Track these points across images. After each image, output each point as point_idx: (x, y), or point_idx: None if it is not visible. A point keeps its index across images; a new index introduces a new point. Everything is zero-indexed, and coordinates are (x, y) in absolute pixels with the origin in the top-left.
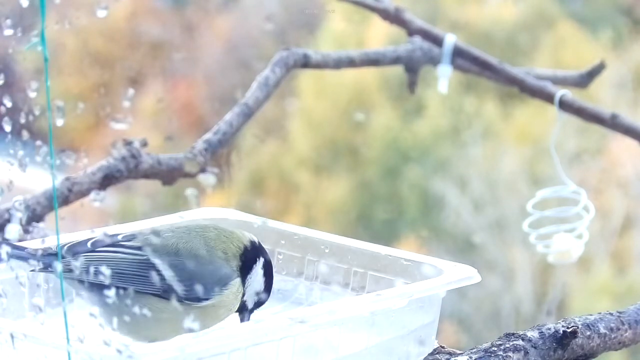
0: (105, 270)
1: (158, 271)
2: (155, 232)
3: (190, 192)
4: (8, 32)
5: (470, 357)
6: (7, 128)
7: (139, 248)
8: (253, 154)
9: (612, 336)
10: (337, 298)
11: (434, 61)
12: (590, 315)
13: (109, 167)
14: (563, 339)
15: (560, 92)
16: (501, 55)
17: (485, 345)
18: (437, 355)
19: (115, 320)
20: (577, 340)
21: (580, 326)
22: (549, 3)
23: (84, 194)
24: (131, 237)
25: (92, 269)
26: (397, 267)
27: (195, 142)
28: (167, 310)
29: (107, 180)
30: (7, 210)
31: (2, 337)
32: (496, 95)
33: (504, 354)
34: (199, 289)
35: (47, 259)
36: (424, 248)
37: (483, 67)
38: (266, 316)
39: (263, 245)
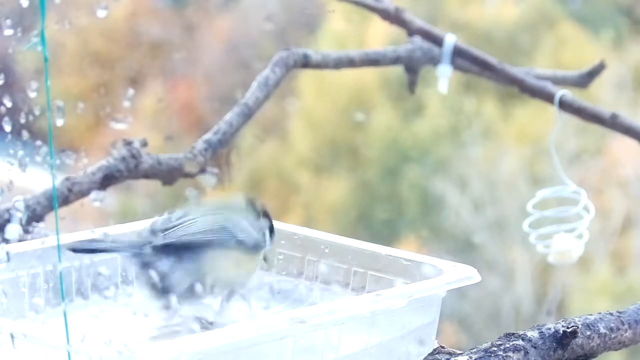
0: (196, 229)
1: (230, 230)
2: (197, 210)
3: (190, 192)
4: (8, 32)
5: (470, 357)
6: (7, 128)
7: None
8: (253, 154)
9: (612, 336)
10: (337, 298)
11: (434, 61)
12: (590, 315)
13: (109, 167)
14: (563, 339)
15: (560, 92)
16: (502, 55)
17: (485, 345)
18: (437, 355)
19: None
20: (577, 340)
21: (580, 326)
22: (549, 3)
23: (84, 194)
24: (185, 214)
25: (193, 231)
26: (397, 267)
27: (195, 142)
28: (243, 257)
29: (107, 180)
30: (7, 210)
31: (2, 337)
32: (496, 95)
33: (504, 354)
34: (257, 240)
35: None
36: (424, 248)
37: (483, 67)
38: (266, 316)
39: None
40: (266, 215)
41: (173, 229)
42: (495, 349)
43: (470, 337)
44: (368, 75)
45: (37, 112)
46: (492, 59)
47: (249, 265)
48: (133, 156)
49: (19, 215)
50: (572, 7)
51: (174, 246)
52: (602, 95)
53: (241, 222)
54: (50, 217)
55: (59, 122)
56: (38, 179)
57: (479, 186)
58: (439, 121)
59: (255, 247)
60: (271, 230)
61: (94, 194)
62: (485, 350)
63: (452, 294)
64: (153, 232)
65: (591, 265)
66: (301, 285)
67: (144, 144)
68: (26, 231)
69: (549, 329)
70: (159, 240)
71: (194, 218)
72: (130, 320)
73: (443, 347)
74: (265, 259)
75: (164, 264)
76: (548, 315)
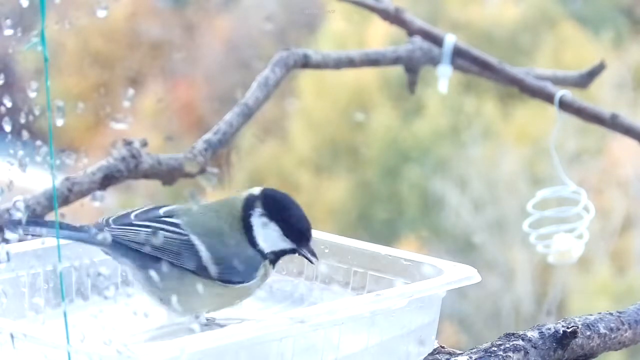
0: (149, 242)
1: (196, 251)
2: (191, 210)
3: (190, 192)
4: (8, 32)
5: (470, 357)
6: (7, 128)
7: (178, 225)
8: (253, 154)
9: (612, 336)
10: (337, 298)
11: (434, 61)
12: (590, 315)
13: (109, 167)
14: (563, 339)
15: (560, 92)
16: (502, 55)
17: (485, 345)
18: (437, 355)
19: (155, 292)
20: (577, 340)
21: (580, 326)
22: (549, 3)
23: (84, 194)
24: (171, 212)
25: (136, 240)
26: (397, 267)
27: (195, 142)
28: (202, 287)
29: (107, 180)
30: (7, 210)
31: (2, 337)
32: (496, 95)
33: (504, 354)
34: (233, 273)
35: (102, 234)
36: (424, 248)
37: (483, 67)
38: (266, 316)
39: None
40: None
41: (127, 227)
42: (495, 349)
43: (470, 337)
44: (368, 75)
45: (37, 112)
46: (492, 59)
47: (217, 298)
48: (133, 156)
49: (19, 215)
50: (572, 7)
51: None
52: (602, 95)
53: (219, 246)
54: (50, 217)
55: (59, 122)
56: (38, 179)
57: (479, 186)
58: (439, 121)
59: (229, 283)
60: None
61: (94, 194)
62: (485, 350)
63: (452, 294)
64: (112, 220)
65: (591, 265)
66: (301, 285)
67: (144, 144)
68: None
69: (549, 329)
70: (106, 231)
71: (156, 222)
72: (130, 320)
73: (443, 347)
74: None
75: (113, 255)
76: (548, 315)
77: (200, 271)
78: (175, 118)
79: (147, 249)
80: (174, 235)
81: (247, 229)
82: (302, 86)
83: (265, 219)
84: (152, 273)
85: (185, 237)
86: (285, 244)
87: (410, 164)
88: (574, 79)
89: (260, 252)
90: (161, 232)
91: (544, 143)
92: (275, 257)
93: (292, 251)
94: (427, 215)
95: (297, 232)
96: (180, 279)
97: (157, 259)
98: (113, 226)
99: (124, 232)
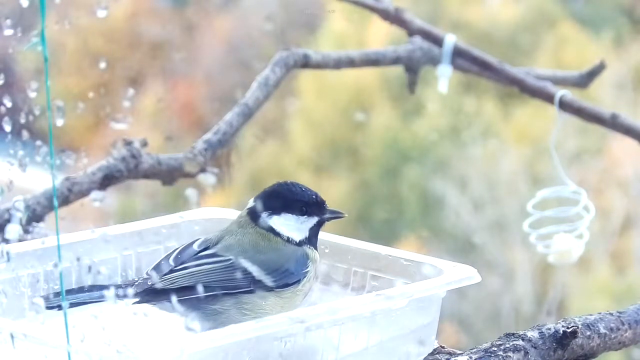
0: (199, 281)
1: (245, 270)
2: (220, 236)
3: (190, 192)
4: (8, 32)
5: (470, 357)
6: (7, 128)
7: (216, 254)
8: (253, 154)
9: (612, 336)
10: (337, 298)
11: (434, 61)
12: (590, 315)
13: (109, 167)
14: (563, 339)
15: (560, 92)
16: (502, 55)
17: (485, 345)
18: (437, 355)
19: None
20: (577, 340)
21: (580, 326)
22: (549, 3)
23: (84, 194)
24: (206, 244)
25: (182, 286)
26: (397, 267)
27: (195, 142)
28: (264, 303)
29: (107, 180)
30: (7, 210)
31: (2, 337)
32: (496, 95)
33: (504, 354)
34: (286, 275)
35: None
36: (424, 248)
37: (483, 67)
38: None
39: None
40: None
41: (172, 275)
42: (495, 349)
43: (470, 337)
44: (368, 75)
45: (37, 112)
46: (492, 59)
47: (285, 308)
48: (133, 156)
49: (19, 215)
50: (572, 8)
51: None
52: (602, 95)
53: (261, 258)
54: (50, 217)
55: (59, 122)
56: (38, 179)
57: (479, 186)
58: (439, 121)
59: (287, 287)
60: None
61: (94, 194)
62: (485, 350)
63: (452, 294)
64: (155, 271)
65: (591, 265)
66: None
67: (144, 144)
68: (26, 231)
69: (549, 329)
70: (155, 284)
71: (197, 261)
72: (130, 320)
73: (443, 347)
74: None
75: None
76: (548, 315)
77: (257, 287)
78: (175, 118)
79: (200, 289)
80: (219, 265)
81: (273, 232)
82: (302, 86)
83: (274, 216)
84: (209, 310)
85: (230, 262)
86: (306, 222)
87: (410, 164)
88: (574, 79)
89: (297, 243)
90: (206, 266)
91: (544, 143)
92: (310, 240)
93: (318, 223)
94: (427, 215)
95: (305, 205)
96: (239, 305)
97: (212, 297)
98: (155, 279)
99: (170, 281)
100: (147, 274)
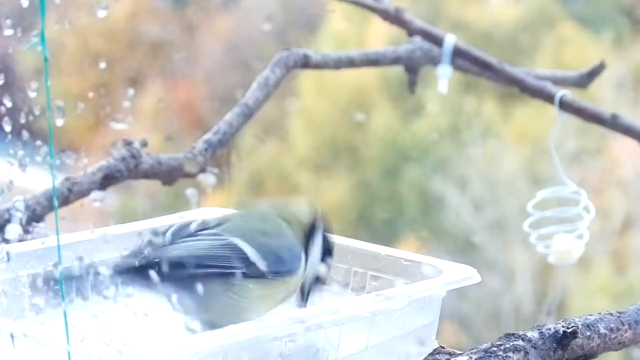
0: (191, 259)
1: (241, 250)
2: (225, 219)
3: (190, 192)
4: (8, 32)
5: (470, 357)
6: (7, 128)
7: (215, 234)
8: (253, 154)
9: (612, 336)
10: (337, 298)
11: (434, 61)
12: (590, 315)
13: (109, 167)
14: (563, 339)
15: (561, 92)
16: (502, 55)
17: (485, 345)
18: (437, 356)
19: (207, 307)
20: (577, 340)
21: (580, 326)
22: (550, 3)
23: (84, 194)
24: (204, 225)
25: (177, 260)
26: (397, 267)
27: (195, 142)
28: (251, 288)
29: (107, 180)
30: (7, 210)
31: (2, 337)
32: (496, 95)
33: (504, 354)
34: (280, 262)
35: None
36: (424, 248)
37: (483, 67)
38: (266, 316)
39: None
40: (316, 231)
41: (166, 247)
42: (495, 349)
43: (470, 337)
44: (368, 75)
45: (37, 112)
46: (492, 59)
47: (266, 299)
48: (133, 156)
49: (19, 215)
50: (572, 8)
51: (165, 265)
52: (602, 95)
53: (261, 242)
54: (50, 217)
55: (59, 122)
56: (38, 179)
57: (479, 186)
58: (439, 121)
59: (278, 275)
60: (326, 252)
61: (94, 194)
62: (485, 351)
63: (452, 294)
64: (148, 245)
65: (591, 265)
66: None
67: (144, 144)
68: (26, 231)
69: (549, 329)
70: (145, 257)
71: (193, 237)
72: (130, 320)
73: (443, 347)
74: (303, 290)
75: (154, 285)
76: (548, 315)
77: (250, 269)
78: (175, 118)
79: (192, 264)
80: (216, 242)
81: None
82: (302, 86)
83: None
84: (199, 289)
85: (227, 241)
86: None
87: (410, 164)
88: (574, 79)
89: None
90: (203, 241)
91: (544, 143)
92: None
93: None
94: (427, 215)
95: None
96: (228, 287)
97: (204, 276)
98: (150, 251)
99: (164, 252)
100: (139, 249)
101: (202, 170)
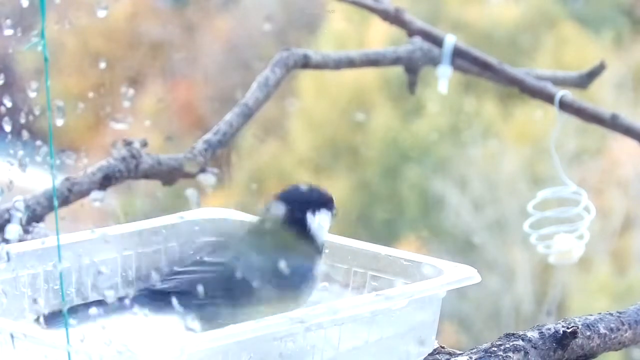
0: (199, 288)
1: (247, 277)
2: (229, 242)
3: (190, 192)
4: (8, 32)
5: (470, 357)
6: (7, 128)
7: (221, 263)
8: (253, 154)
9: (612, 336)
10: (337, 298)
11: (434, 61)
12: (590, 315)
13: (109, 167)
14: (563, 339)
15: (561, 92)
16: (502, 55)
17: (485, 345)
18: (437, 356)
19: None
20: (577, 340)
21: (580, 326)
22: (549, 3)
23: (84, 194)
24: (211, 250)
25: (185, 289)
26: (397, 267)
27: (195, 142)
28: (265, 310)
29: (107, 180)
30: (7, 210)
31: (2, 337)
32: (496, 95)
33: (504, 354)
34: (291, 280)
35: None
36: (424, 248)
37: (483, 68)
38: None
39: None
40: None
41: (177, 275)
42: (495, 349)
43: (470, 337)
44: (368, 75)
45: (37, 112)
46: (492, 60)
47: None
48: (133, 156)
49: (19, 215)
50: (572, 8)
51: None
52: (602, 96)
53: (267, 264)
54: (50, 217)
55: (59, 122)
56: (38, 179)
57: (479, 186)
58: (439, 121)
59: (286, 291)
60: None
61: (94, 194)
62: (485, 351)
63: (452, 294)
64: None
65: (591, 265)
66: None
67: (144, 144)
68: (26, 231)
69: (549, 329)
70: (156, 285)
71: (200, 265)
72: (130, 320)
73: (443, 347)
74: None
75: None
76: (548, 315)
77: (258, 293)
78: (175, 118)
79: (200, 292)
80: (224, 272)
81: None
82: (302, 86)
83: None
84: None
85: (231, 268)
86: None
87: (410, 164)
88: (574, 80)
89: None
90: (206, 273)
91: (544, 143)
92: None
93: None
94: (427, 215)
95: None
96: (239, 310)
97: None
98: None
99: (169, 283)
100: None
101: (202, 170)
